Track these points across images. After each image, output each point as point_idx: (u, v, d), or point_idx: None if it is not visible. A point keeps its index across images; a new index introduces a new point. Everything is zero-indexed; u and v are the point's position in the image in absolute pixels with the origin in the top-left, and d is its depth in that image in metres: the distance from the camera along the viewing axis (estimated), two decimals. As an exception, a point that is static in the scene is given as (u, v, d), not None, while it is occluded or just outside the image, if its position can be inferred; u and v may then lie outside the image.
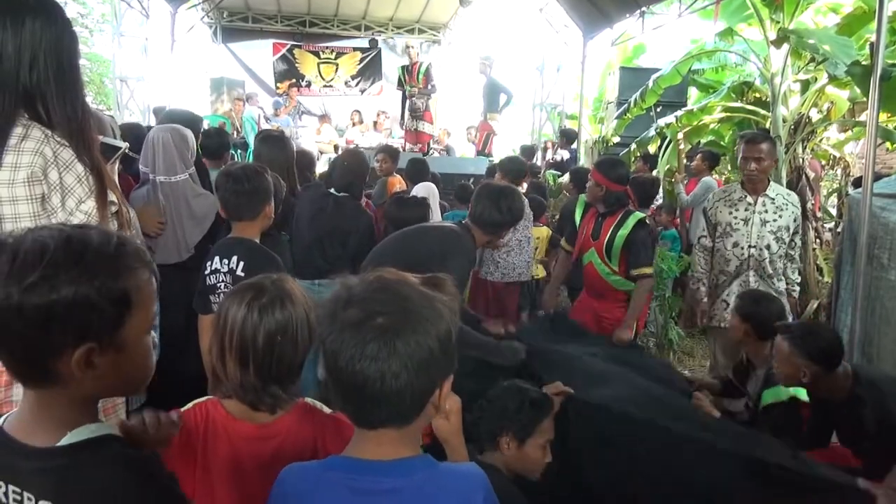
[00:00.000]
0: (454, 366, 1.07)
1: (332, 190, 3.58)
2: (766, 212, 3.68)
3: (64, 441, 0.92)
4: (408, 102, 9.43)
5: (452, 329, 1.04)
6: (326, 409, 1.42)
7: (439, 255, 2.62)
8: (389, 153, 5.71)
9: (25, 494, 0.91)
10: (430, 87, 9.24)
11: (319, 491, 1.05)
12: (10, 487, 0.91)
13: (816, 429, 2.65)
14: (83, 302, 0.88)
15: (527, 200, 4.67)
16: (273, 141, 3.67)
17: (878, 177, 4.10)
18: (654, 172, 7.19)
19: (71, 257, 0.88)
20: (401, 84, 9.53)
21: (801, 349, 2.40)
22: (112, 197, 1.43)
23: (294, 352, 1.34)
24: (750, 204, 3.70)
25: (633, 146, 7.38)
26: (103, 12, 17.71)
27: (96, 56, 18.90)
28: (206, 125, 6.44)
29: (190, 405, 1.38)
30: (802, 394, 2.64)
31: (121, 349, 0.93)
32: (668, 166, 7.45)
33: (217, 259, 2.32)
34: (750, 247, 3.68)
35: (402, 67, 9.57)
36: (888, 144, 6.21)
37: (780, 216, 3.68)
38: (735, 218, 3.71)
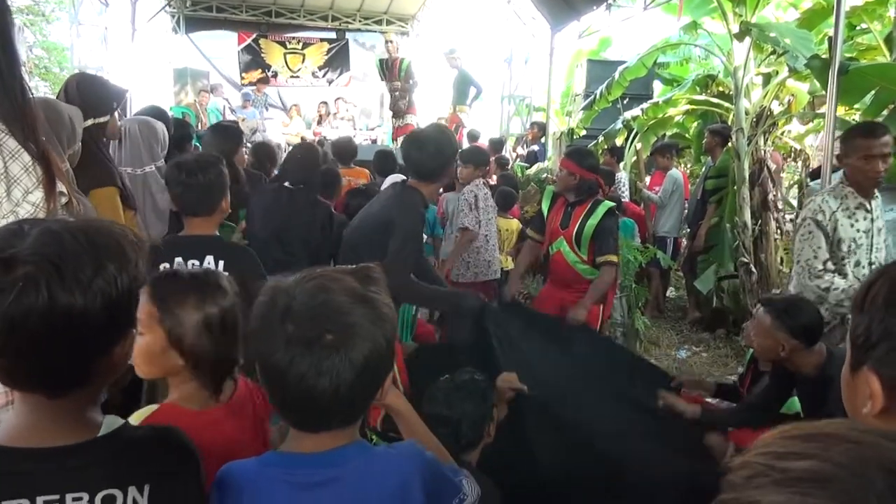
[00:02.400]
0: (395, 358, 1.10)
1: (287, 184, 3.53)
2: (878, 218, 2.99)
3: (104, 431, 0.91)
4: (389, 101, 9.34)
5: (393, 325, 1.05)
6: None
7: (387, 220, 2.62)
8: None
9: (69, 496, 0.85)
10: (410, 83, 9.16)
11: (258, 488, 1.04)
12: (42, 499, 0.85)
13: (772, 397, 2.65)
14: (129, 291, 0.87)
15: (487, 192, 4.70)
16: (222, 132, 3.61)
17: (835, 168, 4.21)
18: (621, 165, 7.27)
19: (107, 249, 0.86)
20: (382, 77, 9.39)
21: (783, 323, 2.37)
22: (61, 188, 1.37)
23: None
24: (868, 210, 2.93)
25: (601, 139, 7.44)
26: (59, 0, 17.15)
27: (53, 45, 18.29)
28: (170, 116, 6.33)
29: (144, 413, 1.33)
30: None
31: (134, 328, 0.95)
32: (633, 158, 7.54)
33: (180, 261, 2.07)
34: (870, 263, 2.94)
35: (381, 61, 9.42)
36: (846, 137, 6.37)
37: (879, 216, 3.03)
38: (858, 231, 2.92)
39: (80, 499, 0.86)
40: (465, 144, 9.71)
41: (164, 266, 2.04)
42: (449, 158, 2.76)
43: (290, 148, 4.06)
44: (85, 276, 0.82)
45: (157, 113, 3.78)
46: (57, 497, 0.85)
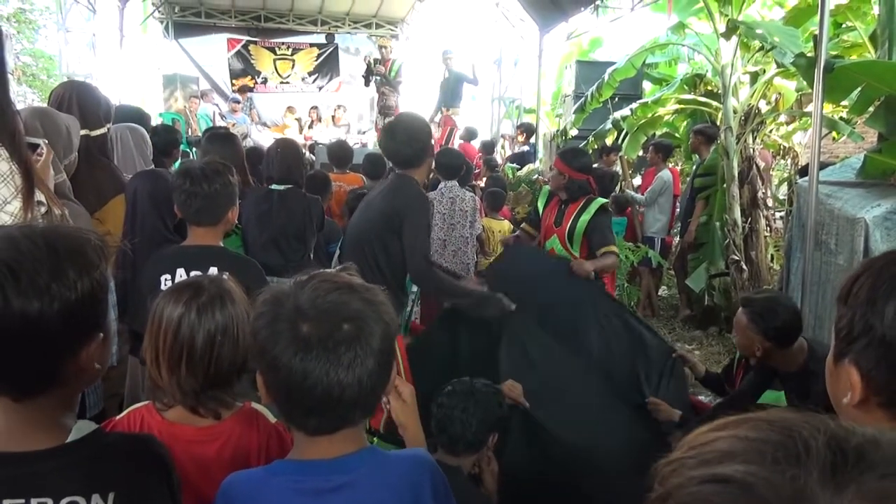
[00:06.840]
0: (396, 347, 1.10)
1: (273, 185, 3.52)
2: None
3: (73, 437, 0.91)
4: (379, 100, 9.43)
5: (387, 307, 1.05)
6: (272, 418, 1.37)
7: (392, 213, 2.65)
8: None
9: (34, 501, 0.86)
10: (398, 81, 9.30)
11: (265, 497, 1.02)
12: (7, 503, 0.85)
13: (748, 392, 2.66)
14: (92, 295, 0.88)
15: (464, 196, 4.66)
16: (221, 139, 3.55)
17: (823, 165, 4.23)
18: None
19: (68, 254, 0.86)
20: (370, 72, 9.44)
21: (757, 325, 2.39)
22: (40, 197, 1.35)
23: (235, 353, 1.29)
24: None
25: (591, 139, 7.47)
26: (46, 5, 17.02)
27: (40, 52, 18.19)
28: (159, 122, 6.30)
29: (124, 413, 1.33)
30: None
31: (106, 334, 0.95)
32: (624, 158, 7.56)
33: (182, 272, 1.96)
34: None
35: (375, 60, 9.55)
36: (833, 134, 6.41)
37: None
38: None
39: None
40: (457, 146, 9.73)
41: (166, 277, 1.98)
42: (424, 141, 2.81)
43: (267, 146, 4.00)
44: (42, 281, 0.83)
45: (137, 115, 3.73)
46: (22, 502, 0.86)
